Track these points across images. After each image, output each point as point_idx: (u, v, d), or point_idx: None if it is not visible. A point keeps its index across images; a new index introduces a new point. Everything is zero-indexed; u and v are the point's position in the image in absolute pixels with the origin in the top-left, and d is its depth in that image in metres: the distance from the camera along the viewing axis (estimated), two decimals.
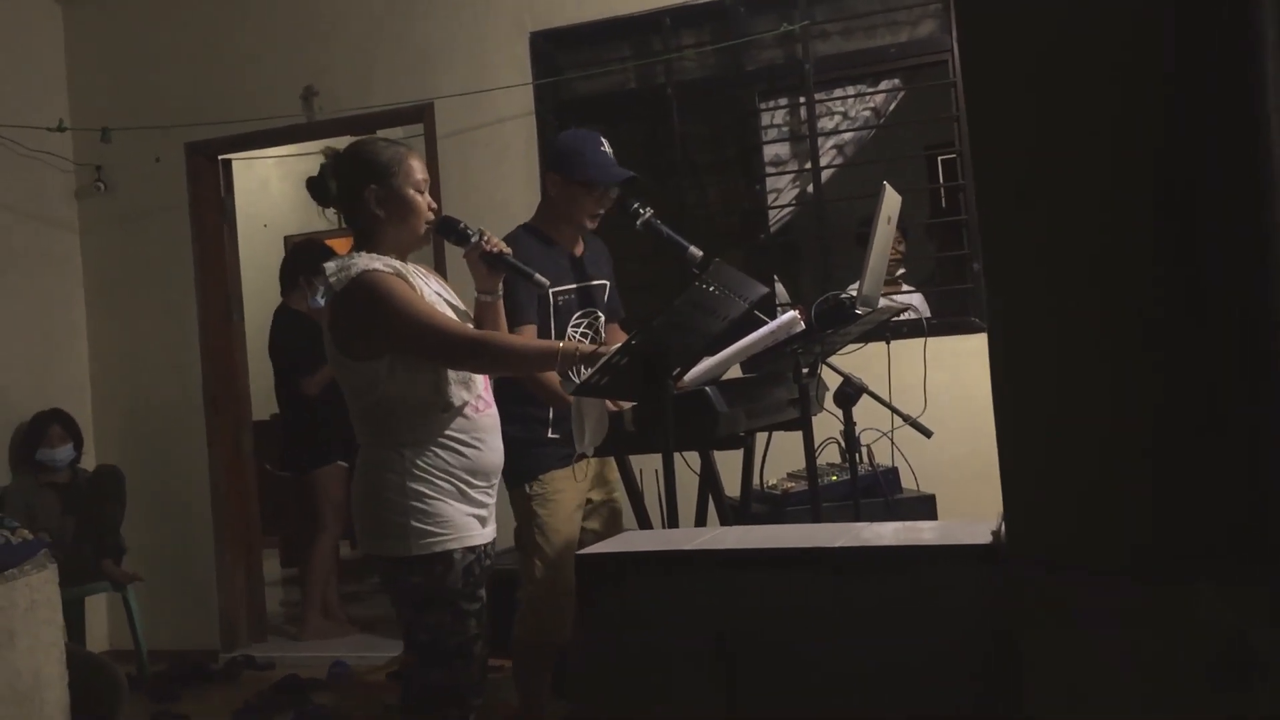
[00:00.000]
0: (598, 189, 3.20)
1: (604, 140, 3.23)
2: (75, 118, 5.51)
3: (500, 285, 2.70)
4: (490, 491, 2.61)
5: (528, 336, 3.04)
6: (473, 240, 2.63)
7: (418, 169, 2.61)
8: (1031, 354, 1.32)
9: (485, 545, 2.59)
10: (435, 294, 2.61)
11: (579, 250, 3.30)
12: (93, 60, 5.59)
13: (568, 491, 3.20)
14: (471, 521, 2.54)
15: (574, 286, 3.24)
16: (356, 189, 2.58)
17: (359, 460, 2.58)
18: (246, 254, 5.92)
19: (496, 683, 3.56)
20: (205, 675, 4.95)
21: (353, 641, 5.30)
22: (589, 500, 3.32)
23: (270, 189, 7.97)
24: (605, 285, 3.36)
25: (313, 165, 2.73)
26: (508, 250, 2.65)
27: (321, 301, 2.82)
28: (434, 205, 2.64)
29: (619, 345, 2.49)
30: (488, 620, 2.66)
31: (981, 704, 1.59)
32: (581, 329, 3.24)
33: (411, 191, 2.58)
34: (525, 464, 3.11)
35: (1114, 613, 1.30)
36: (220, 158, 5.58)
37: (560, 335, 3.17)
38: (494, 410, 2.64)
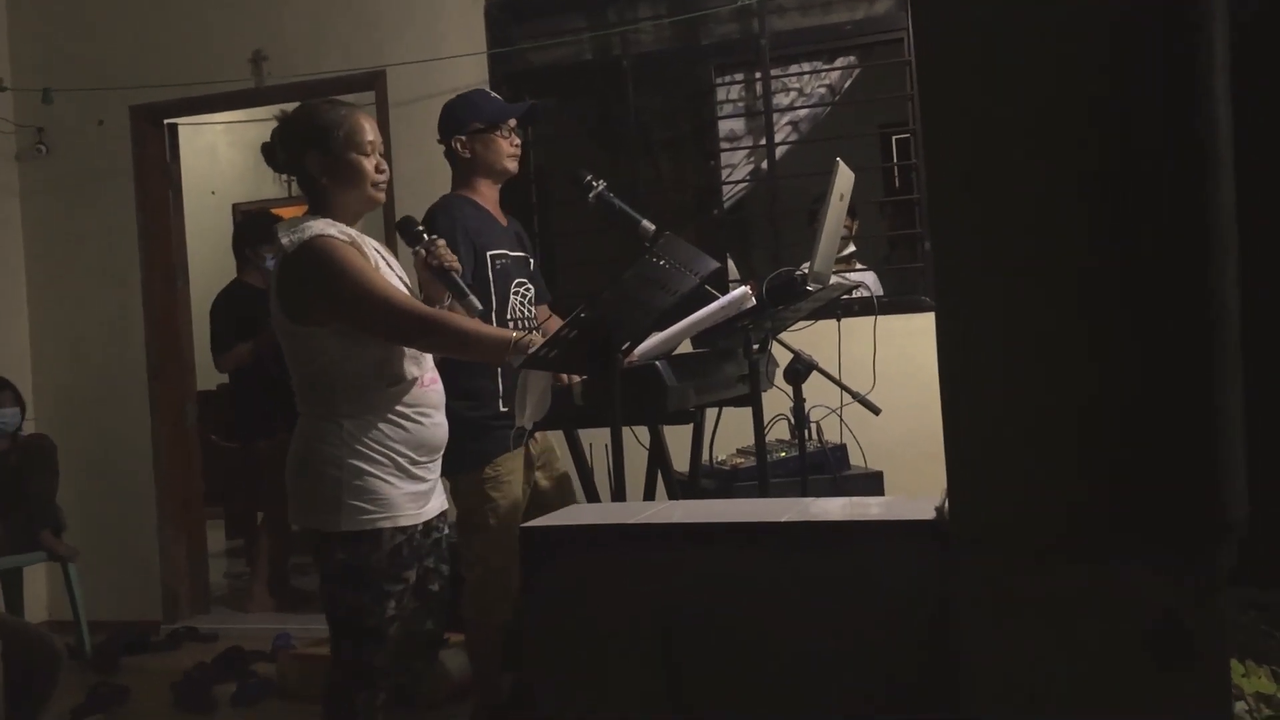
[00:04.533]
0: (504, 128, 3.23)
1: (488, 90, 3.30)
2: (16, 77, 5.36)
3: (447, 299, 2.63)
4: (433, 467, 2.55)
5: None
6: (420, 250, 2.60)
7: (363, 130, 2.50)
8: (977, 334, 1.32)
9: (424, 523, 2.53)
10: (388, 269, 2.55)
11: (505, 222, 3.31)
12: (34, 18, 5.45)
13: (518, 473, 3.20)
14: (408, 500, 2.47)
15: (509, 253, 3.24)
16: (298, 155, 2.50)
17: (296, 430, 2.51)
18: (193, 221, 5.82)
19: (445, 656, 3.56)
20: (146, 646, 4.90)
21: (298, 614, 5.25)
22: (536, 482, 3.32)
23: (218, 155, 7.84)
24: (529, 260, 3.37)
25: (262, 131, 2.67)
26: (456, 267, 2.62)
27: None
28: (383, 168, 2.54)
29: (566, 324, 2.46)
30: (445, 593, 2.64)
31: (923, 678, 1.61)
32: (518, 298, 3.23)
33: (355, 155, 2.48)
34: (478, 447, 3.08)
35: (1051, 591, 1.31)
36: (166, 122, 5.47)
37: (503, 299, 3.16)
38: (440, 384, 2.59)
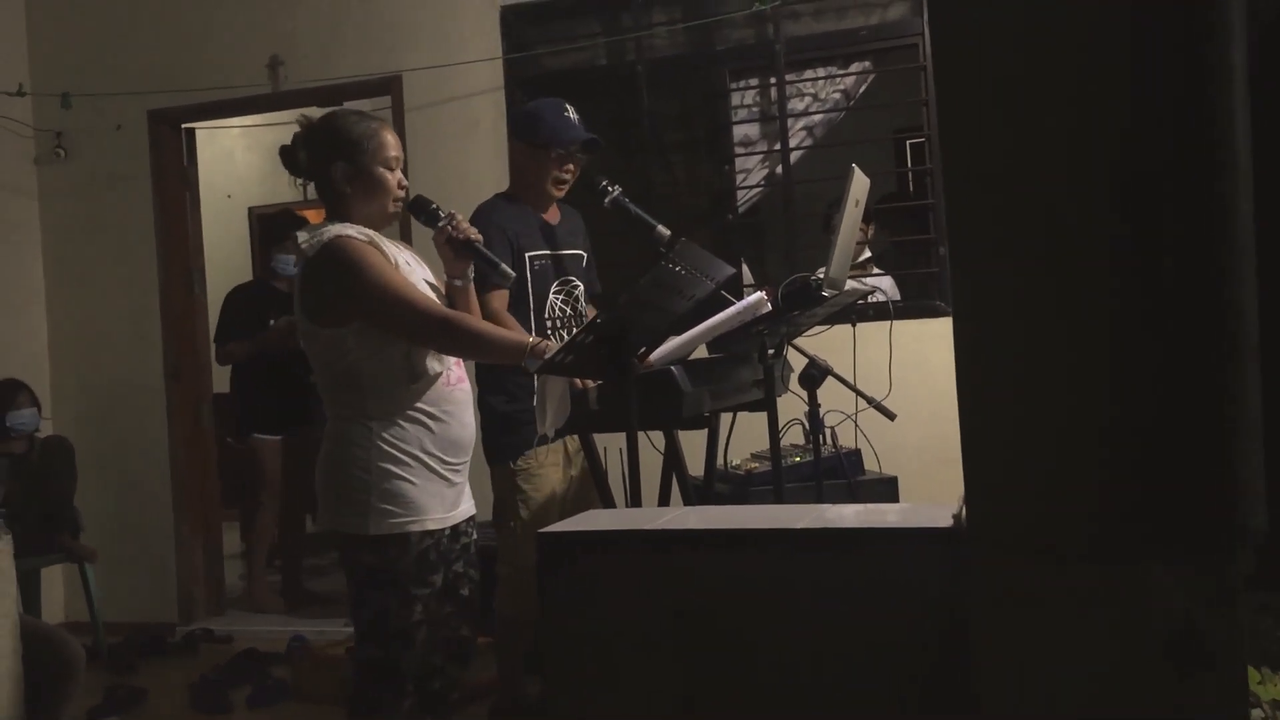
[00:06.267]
0: (558, 152, 3.18)
1: (569, 106, 3.23)
2: (35, 82, 5.40)
3: (470, 269, 2.64)
4: (461, 468, 2.56)
5: (499, 304, 3.03)
6: (440, 224, 2.59)
7: (390, 145, 2.54)
8: (994, 339, 1.32)
9: (452, 527, 2.54)
10: (407, 267, 2.56)
11: (555, 219, 3.30)
12: (54, 24, 5.48)
13: (551, 467, 3.20)
14: (436, 503, 2.49)
15: (548, 252, 3.23)
16: (324, 163, 2.53)
17: (325, 432, 2.54)
18: (209, 225, 5.86)
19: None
20: (162, 648, 4.92)
21: (313, 616, 5.27)
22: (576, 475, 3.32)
23: (235, 159, 7.88)
24: (582, 256, 3.35)
25: (279, 136, 2.69)
26: (477, 237, 2.60)
27: (292, 269, 2.78)
28: (404, 183, 2.58)
29: (582, 329, 2.47)
30: (476, 598, 2.64)
31: (937, 685, 1.60)
32: (561, 298, 3.23)
33: (381, 169, 2.52)
34: (511, 439, 3.09)
35: (1068, 596, 1.31)
36: (183, 126, 5.51)
37: (539, 302, 3.16)
38: (467, 384, 2.60)
